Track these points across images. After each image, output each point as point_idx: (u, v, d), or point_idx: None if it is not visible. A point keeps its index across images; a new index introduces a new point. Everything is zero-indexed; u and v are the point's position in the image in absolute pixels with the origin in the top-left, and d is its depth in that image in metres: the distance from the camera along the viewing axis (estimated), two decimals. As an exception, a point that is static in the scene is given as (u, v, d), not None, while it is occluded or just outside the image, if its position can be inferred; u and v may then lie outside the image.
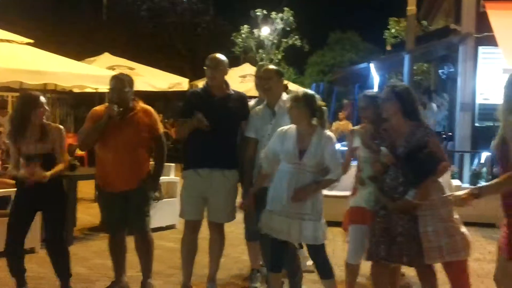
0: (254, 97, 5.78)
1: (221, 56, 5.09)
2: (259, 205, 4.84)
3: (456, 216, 4.25)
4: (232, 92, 5.13)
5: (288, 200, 4.30)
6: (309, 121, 4.43)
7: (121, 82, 4.98)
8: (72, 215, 7.23)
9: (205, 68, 5.03)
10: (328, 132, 4.48)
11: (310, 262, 5.25)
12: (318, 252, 4.49)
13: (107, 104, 5.02)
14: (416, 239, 4.15)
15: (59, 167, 4.85)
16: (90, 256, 6.45)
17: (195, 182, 4.97)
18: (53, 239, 4.93)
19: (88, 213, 8.62)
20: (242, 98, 5.16)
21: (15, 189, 6.37)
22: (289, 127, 4.50)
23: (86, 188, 9.72)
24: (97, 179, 5.21)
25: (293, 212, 4.31)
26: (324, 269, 4.53)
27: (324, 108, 4.47)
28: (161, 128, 5.16)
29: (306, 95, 4.43)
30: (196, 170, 4.96)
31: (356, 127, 4.83)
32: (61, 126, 5.05)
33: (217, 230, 5.10)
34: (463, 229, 4.26)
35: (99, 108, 5.12)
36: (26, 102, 4.86)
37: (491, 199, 3.59)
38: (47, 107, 4.92)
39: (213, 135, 4.87)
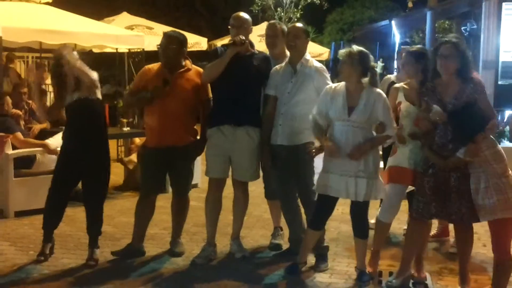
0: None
1: (245, 15, 5.05)
2: (275, 164, 4.93)
3: (510, 172, 4.17)
4: (257, 52, 5.10)
5: (344, 157, 4.33)
6: (359, 79, 4.42)
7: (169, 39, 5.03)
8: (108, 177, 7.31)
9: (229, 27, 4.99)
10: (378, 89, 4.46)
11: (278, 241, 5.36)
12: (362, 211, 4.55)
13: (160, 64, 5.07)
14: (467, 197, 4.12)
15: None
16: (115, 215, 6.53)
17: (219, 141, 4.97)
18: (94, 193, 5.02)
19: (112, 173, 8.64)
20: (266, 58, 5.13)
21: (40, 149, 6.50)
22: (338, 85, 4.51)
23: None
24: (145, 135, 5.30)
25: (349, 169, 4.36)
26: (362, 227, 4.59)
27: (376, 69, 4.47)
28: (210, 93, 5.15)
29: (361, 52, 4.41)
30: (219, 128, 4.96)
31: (399, 84, 4.74)
32: (95, 73, 5.04)
33: (241, 188, 5.12)
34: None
35: (151, 66, 5.16)
36: (55, 62, 4.99)
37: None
38: (74, 63, 4.90)
39: (237, 93, 4.87)
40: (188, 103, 5.05)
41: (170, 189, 5.44)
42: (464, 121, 4.06)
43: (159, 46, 5.13)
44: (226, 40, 5.19)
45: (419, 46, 4.67)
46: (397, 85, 4.75)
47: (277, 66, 5.02)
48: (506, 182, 4.11)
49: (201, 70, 5.11)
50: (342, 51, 4.50)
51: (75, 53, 5.01)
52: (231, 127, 4.92)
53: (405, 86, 4.66)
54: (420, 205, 4.27)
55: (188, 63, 5.15)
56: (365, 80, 4.44)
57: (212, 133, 5.03)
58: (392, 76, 5.81)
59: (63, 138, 5.17)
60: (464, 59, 4.16)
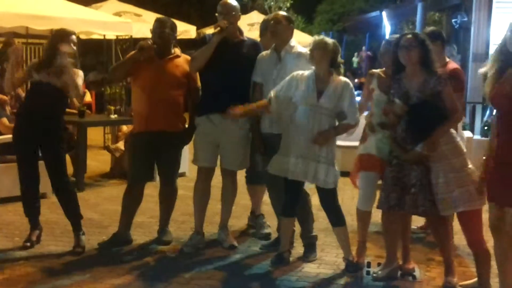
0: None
1: (233, 2, 4.98)
2: (265, 151, 4.92)
3: (470, 166, 4.21)
4: (246, 39, 5.05)
5: (306, 141, 4.38)
6: (329, 67, 4.49)
7: (161, 24, 5.01)
8: (82, 162, 7.24)
9: (217, 14, 4.94)
10: (345, 78, 4.54)
11: (267, 230, 5.41)
12: (329, 198, 4.56)
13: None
14: (429, 190, 4.15)
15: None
16: (101, 202, 6.48)
17: (208, 129, 4.93)
18: (57, 180, 4.97)
19: (98, 160, 8.63)
20: (256, 45, 5.09)
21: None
22: (307, 71, 4.54)
23: (95, 136, 9.72)
24: (133, 122, 5.27)
25: (310, 154, 4.41)
26: (335, 216, 4.60)
27: (341, 67, 4.59)
28: (199, 82, 5.11)
29: (335, 43, 4.55)
30: (208, 117, 4.92)
31: (376, 70, 4.75)
32: (81, 71, 5.03)
33: (229, 177, 5.09)
34: (476, 177, 4.17)
35: None
36: (57, 34, 4.95)
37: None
38: (74, 47, 4.91)
39: (226, 80, 4.82)
40: (177, 90, 5.01)
41: (158, 178, 5.39)
42: (418, 117, 4.08)
43: (152, 31, 5.05)
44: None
45: (396, 35, 4.67)
46: (373, 70, 4.78)
47: (263, 53, 4.97)
48: (466, 175, 4.14)
49: (189, 58, 5.05)
50: (316, 37, 4.58)
51: (74, 37, 4.96)
52: (220, 115, 4.87)
53: (381, 74, 4.67)
54: (382, 195, 4.29)
55: (177, 50, 5.11)
56: (332, 70, 4.52)
57: (200, 122, 4.99)
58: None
59: (16, 115, 5.12)
60: (424, 49, 4.17)
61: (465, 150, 4.29)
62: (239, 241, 5.26)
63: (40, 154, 4.96)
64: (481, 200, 4.13)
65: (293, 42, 4.94)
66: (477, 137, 8.98)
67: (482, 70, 3.96)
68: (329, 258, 4.92)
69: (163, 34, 4.98)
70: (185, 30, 13.49)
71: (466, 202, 4.12)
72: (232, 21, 4.89)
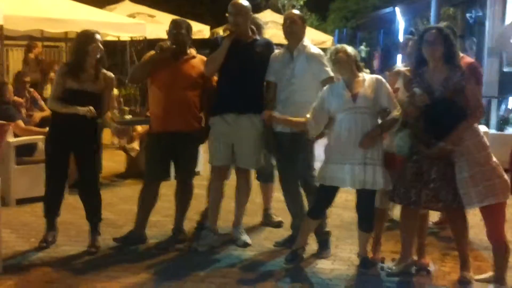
0: (280, 44, 5.68)
1: (243, 2, 4.97)
2: (277, 150, 4.96)
3: (494, 159, 4.18)
4: (258, 38, 5.06)
5: (352, 147, 4.31)
6: (356, 72, 4.46)
7: (177, 25, 5.03)
8: (98, 162, 7.28)
9: (227, 14, 4.95)
10: (375, 75, 4.50)
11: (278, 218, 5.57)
12: (368, 201, 4.48)
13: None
14: (452, 185, 4.13)
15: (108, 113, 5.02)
16: (117, 202, 6.52)
17: (223, 128, 4.95)
18: (88, 180, 5.00)
19: (113, 160, 8.68)
20: (268, 44, 5.09)
21: (41, 136, 6.47)
22: (335, 82, 4.55)
23: (111, 136, 9.78)
24: (150, 122, 5.25)
25: (356, 158, 4.32)
26: (367, 220, 4.52)
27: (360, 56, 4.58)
28: (214, 82, 5.13)
29: (352, 49, 4.51)
30: (222, 116, 4.93)
31: (402, 68, 4.71)
32: (113, 75, 5.09)
33: (243, 176, 5.10)
34: (502, 172, 4.18)
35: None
36: (83, 37, 4.94)
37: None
38: (101, 46, 4.92)
39: (240, 80, 4.84)
40: (193, 90, 5.04)
41: (172, 177, 5.41)
42: (439, 115, 4.07)
43: (168, 32, 5.08)
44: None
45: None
46: (399, 69, 4.71)
47: (276, 52, 4.99)
48: (491, 169, 4.12)
49: (205, 58, 5.08)
50: (334, 48, 4.55)
51: (99, 36, 4.97)
52: (234, 115, 4.90)
53: (407, 73, 4.62)
54: (401, 190, 4.27)
55: (192, 51, 5.13)
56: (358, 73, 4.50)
57: (215, 121, 5.00)
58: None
59: (51, 122, 5.13)
60: (448, 44, 4.15)
61: (488, 144, 4.25)
62: (253, 238, 5.26)
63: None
64: (506, 194, 4.12)
65: (306, 41, 4.93)
66: (493, 131, 8.92)
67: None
68: (344, 254, 4.92)
69: (179, 36, 5.00)
70: (199, 30, 13.53)
71: (491, 196, 4.10)
72: (242, 21, 4.90)
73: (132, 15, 12.39)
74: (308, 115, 4.53)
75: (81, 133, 4.89)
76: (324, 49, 5.17)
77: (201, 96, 5.13)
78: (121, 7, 13.55)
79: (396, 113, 4.34)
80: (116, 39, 11.71)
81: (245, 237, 5.15)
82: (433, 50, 4.14)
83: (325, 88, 4.58)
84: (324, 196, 4.57)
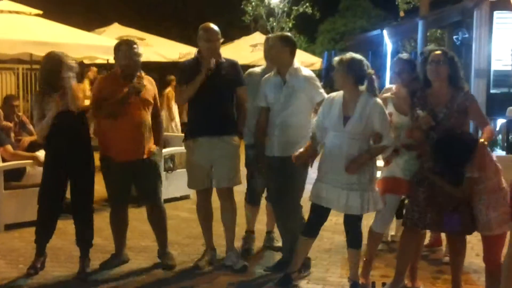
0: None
1: (214, 27, 4.99)
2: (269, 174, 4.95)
3: (504, 185, 4.14)
4: (224, 60, 5.06)
5: (338, 169, 4.27)
6: (354, 86, 4.32)
7: (131, 47, 4.92)
8: (93, 186, 7.22)
9: (200, 40, 4.94)
10: (376, 98, 4.33)
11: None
12: (354, 222, 4.45)
13: (110, 73, 4.98)
14: (468, 210, 4.11)
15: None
16: (106, 227, 6.39)
17: (197, 152, 4.99)
18: (82, 206, 4.96)
19: (102, 184, 8.60)
20: (234, 65, 5.10)
21: (30, 161, 6.43)
22: (337, 94, 4.43)
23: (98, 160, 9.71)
24: (102, 150, 5.09)
25: (342, 181, 4.28)
26: (356, 238, 4.50)
27: (373, 76, 4.35)
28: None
29: (351, 59, 4.32)
30: (196, 140, 4.97)
31: (387, 94, 4.69)
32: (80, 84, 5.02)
33: (226, 197, 5.09)
34: (509, 197, 4.13)
35: (101, 76, 5.06)
36: (51, 61, 4.85)
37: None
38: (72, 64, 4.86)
39: (210, 105, 4.88)
40: (147, 112, 4.99)
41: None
42: (446, 151, 4.00)
43: (119, 52, 4.94)
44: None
45: (405, 54, 4.67)
46: (385, 95, 4.69)
47: (266, 76, 5.00)
48: (501, 197, 4.10)
49: (152, 80, 5.08)
50: (335, 58, 4.45)
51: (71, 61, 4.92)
52: (207, 138, 4.93)
53: (392, 96, 4.63)
54: (415, 215, 4.24)
55: (139, 73, 5.02)
56: (362, 88, 4.35)
57: (188, 145, 5.06)
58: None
59: (46, 149, 5.06)
60: (454, 65, 4.18)
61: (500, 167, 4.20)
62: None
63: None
64: None
65: (297, 64, 4.92)
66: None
67: None
68: (334, 279, 4.89)
69: (135, 57, 4.90)
70: (188, 52, 13.59)
71: (501, 225, 4.08)
72: (216, 47, 4.92)
73: (121, 38, 12.39)
74: (314, 121, 4.53)
75: (77, 157, 4.86)
76: (313, 71, 5.20)
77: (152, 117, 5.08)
78: (110, 30, 13.60)
79: (385, 141, 4.30)
80: (105, 61, 11.71)
81: (242, 261, 5.11)
82: (439, 70, 4.15)
83: (326, 98, 4.53)
84: (316, 214, 4.53)
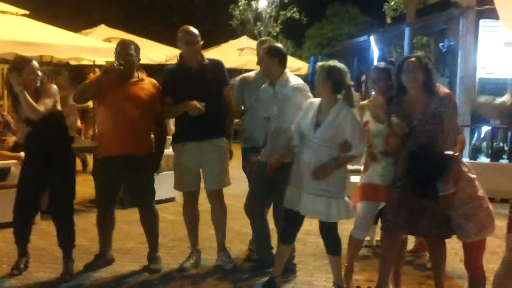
0: (251, 70, 5.69)
1: (194, 29, 4.98)
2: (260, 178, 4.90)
3: (480, 191, 4.15)
4: (207, 61, 5.05)
5: (306, 174, 4.28)
6: (331, 94, 4.31)
7: (125, 46, 4.92)
8: (72, 187, 7.18)
9: (180, 43, 4.93)
10: (351, 108, 4.30)
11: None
12: (327, 228, 4.45)
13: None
14: (439, 216, 4.12)
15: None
16: (91, 228, 6.39)
17: (185, 155, 4.99)
18: (61, 206, 4.91)
19: (87, 186, 8.55)
20: (218, 65, 5.10)
21: (14, 161, 6.39)
22: (318, 100, 4.44)
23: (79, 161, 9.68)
24: (98, 145, 5.12)
25: (309, 186, 4.30)
26: (333, 245, 4.51)
27: (352, 87, 4.34)
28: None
29: (331, 67, 4.30)
30: (185, 143, 4.99)
31: (364, 102, 4.72)
32: (55, 86, 4.95)
33: (216, 199, 5.11)
34: (487, 203, 4.17)
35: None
36: (7, 75, 4.81)
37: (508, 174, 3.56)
38: (39, 72, 4.83)
39: None
40: (143, 110, 4.91)
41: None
42: (419, 166, 4.01)
43: (116, 53, 4.94)
44: (204, 53, 5.16)
45: (383, 62, 4.70)
46: (362, 103, 4.69)
47: (264, 86, 4.96)
48: (478, 204, 4.12)
49: (156, 82, 5.06)
50: (317, 64, 4.47)
51: (35, 63, 4.89)
52: (196, 142, 4.94)
53: (370, 104, 4.64)
54: (389, 217, 4.27)
55: (141, 74, 5.03)
56: (340, 96, 4.33)
57: (177, 149, 5.06)
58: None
59: (25, 148, 5.02)
60: (428, 71, 4.19)
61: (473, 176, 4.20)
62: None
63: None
64: (491, 228, 4.14)
65: (287, 74, 4.88)
66: (466, 159, 9.01)
67: (486, 99, 3.98)
68: (319, 283, 4.90)
69: (127, 57, 4.88)
70: (175, 55, 13.51)
71: (478, 232, 4.11)
72: (196, 50, 4.92)
73: (108, 40, 12.37)
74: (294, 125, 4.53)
75: (55, 159, 4.82)
76: (299, 76, 5.21)
77: (152, 118, 5.03)
78: (97, 31, 13.55)
79: (354, 151, 4.28)
80: (92, 63, 11.66)
81: (232, 261, 5.14)
82: (414, 77, 4.16)
83: (307, 102, 4.53)
84: (290, 219, 4.53)
